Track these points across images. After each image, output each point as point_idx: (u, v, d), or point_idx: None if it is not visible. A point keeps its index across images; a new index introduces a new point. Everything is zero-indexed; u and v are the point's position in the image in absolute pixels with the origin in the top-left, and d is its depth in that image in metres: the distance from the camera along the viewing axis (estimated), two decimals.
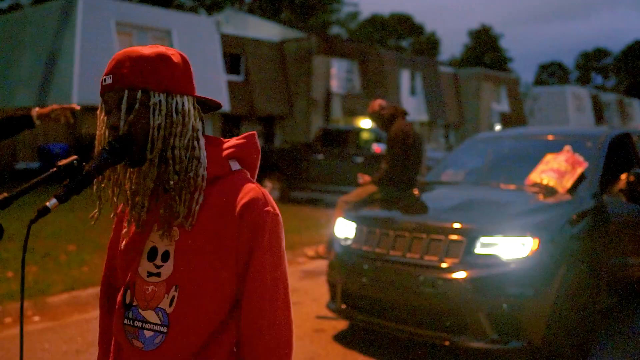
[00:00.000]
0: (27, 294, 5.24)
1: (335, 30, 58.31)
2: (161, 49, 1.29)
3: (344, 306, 4.37)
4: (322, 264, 6.37)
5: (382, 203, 5.22)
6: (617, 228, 4.61)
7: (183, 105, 1.27)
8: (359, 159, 12.40)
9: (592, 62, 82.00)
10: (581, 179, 4.62)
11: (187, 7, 45.62)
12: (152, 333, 1.26)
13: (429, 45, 64.39)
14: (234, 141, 1.36)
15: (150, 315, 1.27)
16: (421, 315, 3.89)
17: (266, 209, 1.26)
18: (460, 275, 3.71)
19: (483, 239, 3.80)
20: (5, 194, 1.15)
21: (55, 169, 1.20)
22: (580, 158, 4.67)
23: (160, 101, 1.25)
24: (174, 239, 1.27)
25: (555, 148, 4.94)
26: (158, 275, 1.27)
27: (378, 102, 5.73)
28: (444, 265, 3.80)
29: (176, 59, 1.29)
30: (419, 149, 5.63)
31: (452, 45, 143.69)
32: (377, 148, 12.40)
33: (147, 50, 1.28)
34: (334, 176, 12.52)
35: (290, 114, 25.28)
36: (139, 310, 1.28)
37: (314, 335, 4.65)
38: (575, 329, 3.87)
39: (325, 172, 12.74)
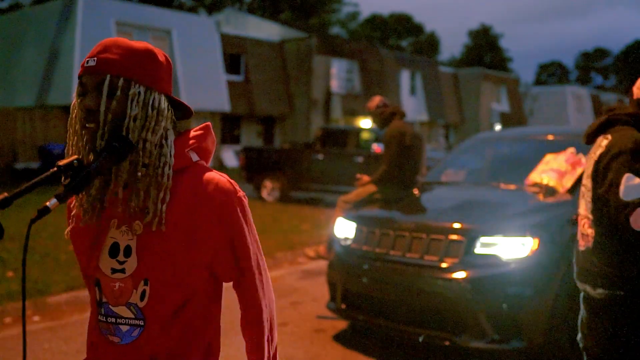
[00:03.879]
0: (27, 294, 5.24)
1: (335, 30, 58.30)
2: (149, 45, 1.31)
3: (344, 306, 4.37)
4: (322, 264, 6.37)
5: (382, 203, 5.22)
6: None
7: (160, 102, 1.28)
8: (359, 159, 12.40)
9: (592, 62, 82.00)
10: (581, 179, 4.61)
11: (187, 7, 45.61)
12: (128, 327, 1.27)
13: (429, 45, 64.38)
14: (192, 133, 1.37)
15: (123, 311, 1.27)
16: (421, 315, 3.88)
17: (238, 194, 1.31)
18: (460, 275, 3.71)
19: (483, 239, 3.80)
20: (5, 194, 1.15)
21: (55, 169, 1.20)
22: (583, 158, 4.67)
23: (139, 92, 1.25)
24: (135, 233, 1.26)
25: (555, 148, 4.93)
26: (122, 271, 1.27)
27: (377, 100, 5.74)
28: (444, 265, 3.80)
29: (161, 57, 1.31)
30: (418, 149, 5.62)
31: (452, 45, 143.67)
32: (377, 148, 12.40)
33: (136, 43, 1.29)
34: (334, 176, 12.51)
35: (290, 114, 25.28)
36: (110, 306, 1.29)
37: (314, 335, 4.65)
38: (575, 329, 3.86)
39: (325, 172, 12.73)
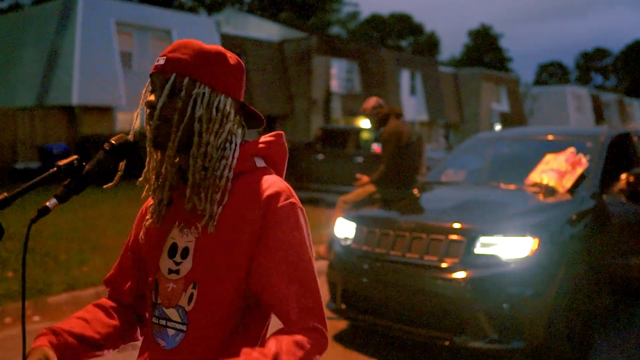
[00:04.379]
0: (27, 294, 5.24)
1: (335, 30, 58.30)
2: (220, 48, 1.30)
3: (344, 306, 4.37)
4: (322, 264, 6.37)
5: (382, 203, 5.22)
6: (617, 228, 4.62)
7: (225, 105, 1.26)
8: (359, 159, 12.40)
9: (592, 62, 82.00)
10: (581, 179, 4.62)
11: (187, 7, 45.61)
12: (173, 332, 1.25)
13: (429, 45, 64.38)
14: (262, 138, 1.34)
15: (172, 314, 1.26)
16: (421, 315, 3.88)
17: (291, 200, 1.23)
18: (460, 275, 3.70)
19: (483, 239, 3.80)
20: (5, 194, 1.15)
21: (55, 169, 1.20)
22: (583, 158, 4.67)
23: (204, 94, 1.24)
24: (194, 235, 1.25)
25: (555, 148, 4.94)
26: (177, 272, 1.26)
27: (373, 101, 5.74)
28: (443, 265, 3.80)
29: (232, 61, 1.30)
30: (416, 148, 5.62)
31: (452, 45, 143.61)
32: (377, 148, 12.40)
33: (208, 45, 1.29)
34: (334, 176, 12.51)
35: (290, 114, 25.28)
36: (163, 308, 1.27)
37: None
38: (575, 329, 3.87)
39: (325, 172, 12.73)
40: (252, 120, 1.36)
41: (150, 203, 1.35)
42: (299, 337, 1.15)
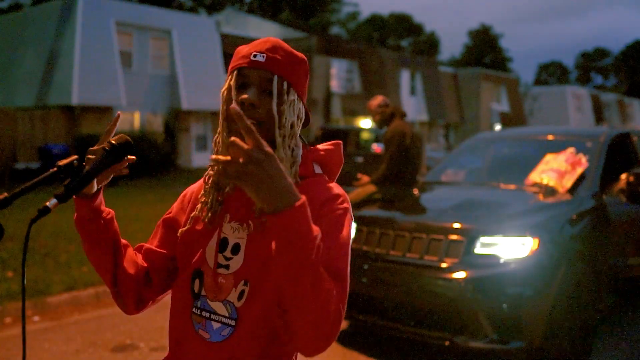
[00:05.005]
0: (27, 294, 5.24)
1: (335, 30, 58.31)
2: (303, 55, 1.33)
3: None
4: None
5: (382, 203, 5.22)
6: (617, 228, 4.62)
7: (301, 110, 1.31)
8: (359, 159, 12.40)
9: (592, 62, 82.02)
10: (581, 179, 4.62)
11: (187, 7, 45.61)
12: (219, 325, 1.26)
13: (429, 45, 64.40)
14: (322, 146, 1.38)
15: (219, 307, 1.26)
16: (421, 315, 3.88)
17: (345, 205, 1.26)
18: (460, 275, 3.70)
19: (483, 239, 3.80)
20: (5, 194, 1.15)
21: (55, 169, 1.20)
22: (583, 158, 4.67)
23: (294, 100, 1.28)
24: (245, 232, 1.26)
25: (555, 148, 4.94)
26: (227, 267, 1.27)
27: (379, 99, 5.74)
28: (444, 265, 3.80)
29: (308, 69, 1.34)
30: (418, 149, 5.62)
31: (452, 45, 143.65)
32: (377, 148, 12.40)
33: (295, 51, 1.31)
34: None
35: None
36: (208, 301, 1.28)
37: None
38: (575, 329, 3.87)
39: None
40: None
41: (200, 193, 1.35)
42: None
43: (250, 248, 1.25)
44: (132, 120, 20.45)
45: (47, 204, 1.16)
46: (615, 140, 5.16)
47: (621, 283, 4.73)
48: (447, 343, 3.73)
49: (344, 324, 4.87)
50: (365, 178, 5.72)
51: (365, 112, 25.22)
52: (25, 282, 1.16)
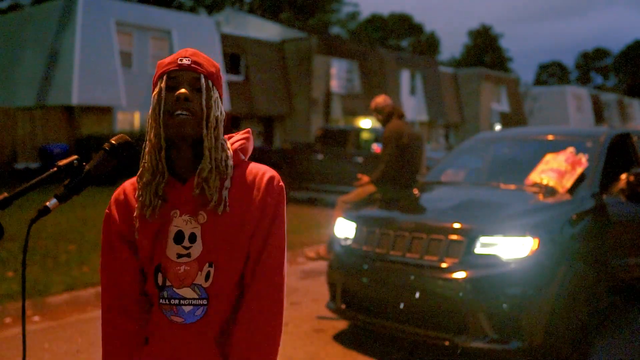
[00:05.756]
0: (27, 294, 5.24)
1: (335, 30, 58.30)
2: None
3: (344, 306, 4.37)
4: (322, 264, 6.37)
5: (382, 203, 5.22)
6: (617, 228, 4.62)
7: (221, 106, 1.46)
8: (359, 159, 12.39)
9: (592, 62, 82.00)
10: (581, 179, 4.62)
11: (187, 7, 45.61)
12: (191, 307, 1.40)
13: (429, 45, 64.38)
14: (239, 136, 1.55)
15: (187, 292, 1.40)
16: (421, 315, 3.88)
17: (281, 184, 1.47)
18: (460, 275, 3.71)
19: (483, 239, 3.80)
20: (5, 194, 1.15)
21: (55, 169, 1.21)
22: (583, 158, 4.67)
23: (217, 96, 1.44)
24: (198, 222, 1.40)
25: (555, 148, 4.94)
26: (188, 255, 1.40)
27: (381, 98, 5.76)
28: (444, 265, 3.80)
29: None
30: (416, 148, 5.63)
31: (452, 45, 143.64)
32: (377, 148, 12.39)
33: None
34: (334, 176, 12.50)
35: (290, 114, 25.27)
36: (174, 289, 1.40)
37: (314, 335, 4.65)
38: (575, 329, 3.87)
39: (325, 172, 12.72)
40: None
41: (122, 200, 1.49)
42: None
43: (207, 234, 1.39)
44: (132, 120, 20.45)
45: (47, 204, 1.17)
46: (615, 140, 5.16)
47: (621, 283, 4.73)
48: (447, 343, 3.73)
49: (344, 324, 4.87)
50: (365, 178, 5.72)
51: (366, 112, 25.23)
52: (25, 282, 1.16)
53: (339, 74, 26.64)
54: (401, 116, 5.70)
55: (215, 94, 1.42)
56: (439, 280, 3.77)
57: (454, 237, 3.85)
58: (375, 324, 4.12)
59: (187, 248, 1.40)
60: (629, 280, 4.86)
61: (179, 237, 1.40)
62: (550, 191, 4.53)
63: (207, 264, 1.39)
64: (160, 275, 1.41)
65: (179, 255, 1.40)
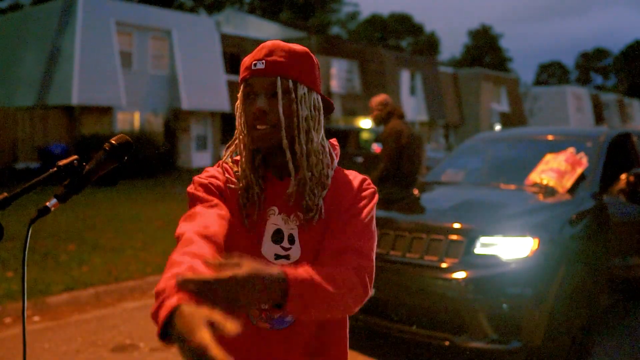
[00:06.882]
0: (27, 294, 5.24)
1: (335, 30, 58.33)
2: (305, 47, 1.37)
3: None
4: None
5: (381, 203, 5.21)
6: (617, 228, 4.61)
7: (319, 102, 1.34)
8: (359, 159, 12.40)
9: (592, 62, 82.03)
10: (581, 179, 4.62)
11: (187, 7, 45.62)
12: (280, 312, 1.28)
13: (429, 45, 64.41)
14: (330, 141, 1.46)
15: None
16: (421, 315, 3.88)
17: (372, 186, 1.36)
18: (460, 275, 3.70)
19: (483, 239, 3.79)
20: (5, 194, 1.15)
21: (55, 169, 1.21)
22: (583, 158, 4.67)
23: (305, 94, 1.30)
24: (295, 223, 1.30)
25: (555, 148, 4.94)
26: (287, 257, 1.29)
27: (381, 97, 5.76)
28: (443, 265, 3.80)
29: (315, 59, 1.38)
30: (415, 148, 5.63)
31: (452, 45, 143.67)
32: (377, 148, 12.40)
33: (295, 46, 1.35)
34: None
35: None
36: None
37: None
38: (575, 329, 3.87)
39: None
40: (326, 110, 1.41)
41: (226, 184, 1.34)
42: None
43: (304, 237, 1.29)
44: (132, 120, 20.46)
45: (47, 204, 1.16)
46: (615, 140, 5.16)
47: (621, 283, 4.73)
48: (447, 343, 3.73)
49: None
50: None
51: (365, 112, 25.24)
52: (25, 282, 1.16)
53: (338, 74, 26.66)
54: (401, 116, 5.70)
55: (301, 91, 1.29)
56: (439, 281, 3.77)
57: (454, 237, 3.85)
58: (376, 324, 4.12)
59: (286, 249, 1.30)
60: (628, 280, 4.86)
61: (277, 237, 1.30)
62: (550, 191, 4.53)
63: None
64: None
65: (277, 257, 1.29)
